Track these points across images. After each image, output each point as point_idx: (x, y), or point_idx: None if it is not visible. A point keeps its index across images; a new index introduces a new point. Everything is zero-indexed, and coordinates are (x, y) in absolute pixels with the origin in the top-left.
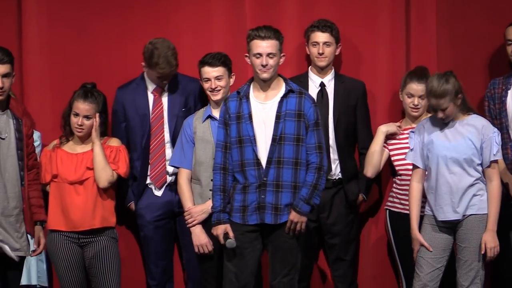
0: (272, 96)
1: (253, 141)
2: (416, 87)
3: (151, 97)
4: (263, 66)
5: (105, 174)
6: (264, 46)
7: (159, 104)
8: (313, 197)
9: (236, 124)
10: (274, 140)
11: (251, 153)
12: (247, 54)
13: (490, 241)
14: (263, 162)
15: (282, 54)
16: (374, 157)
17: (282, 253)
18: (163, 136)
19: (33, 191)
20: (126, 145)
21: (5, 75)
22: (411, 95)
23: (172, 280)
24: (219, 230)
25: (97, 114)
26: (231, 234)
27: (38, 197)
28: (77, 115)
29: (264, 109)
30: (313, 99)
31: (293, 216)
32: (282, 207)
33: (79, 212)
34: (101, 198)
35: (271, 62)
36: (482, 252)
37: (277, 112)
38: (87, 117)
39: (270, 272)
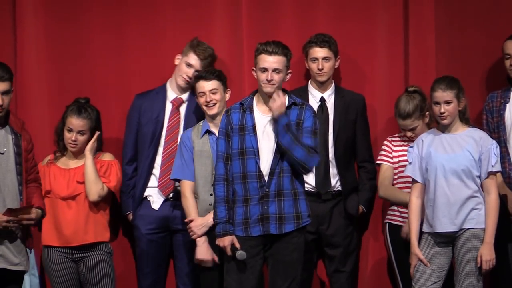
0: None
1: (256, 153)
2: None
3: (169, 106)
4: (268, 81)
5: (95, 188)
6: (270, 61)
7: (176, 114)
8: (297, 141)
9: (239, 136)
10: (277, 152)
11: (254, 165)
12: (254, 68)
13: (486, 254)
14: (265, 173)
15: (288, 71)
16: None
17: (283, 267)
18: (176, 146)
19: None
20: (136, 152)
21: (4, 92)
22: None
23: None
24: (226, 241)
25: (97, 133)
26: (237, 245)
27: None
28: (71, 130)
29: (267, 121)
30: (313, 110)
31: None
32: (286, 216)
33: (71, 227)
34: (94, 212)
35: (276, 77)
36: (478, 266)
37: None
38: (80, 132)
39: (270, 286)
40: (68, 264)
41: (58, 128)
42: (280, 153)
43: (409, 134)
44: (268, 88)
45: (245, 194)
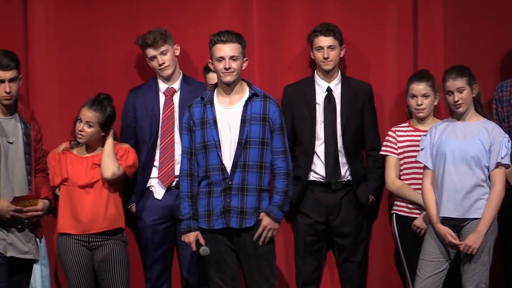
0: (236, 101)
1: (218, 145)
2: (417, 87)
3: (162, 98)
4: (226, 69)
5: (111, 165)
6: (226, 49)
7: (170, 104)
8: (285, 204)
9: (201, 130)
10: (240, 144)
11: (216, 158)
12: (210, 61)
13: (471, 241)
14: (228, 166)
15: (245, 59)
16: (402, 194)
17: (256, 261)
18: (173, 136)
19: (41, 189)
20: (134, 147)
21: (12, 80)
22: (413, 96)
23: (169, 284)
24: (191, 237)
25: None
26: (202, 241)
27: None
28: (80, 120)
29: (229, 113)
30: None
31: (267, 222)
32: (248, 211)
33: (89, 214)
34: (111, 199)
35: (233, 65)
36: (461, 249)
37: (242, 116)
38: (88, 123)
39: (248, 281)
40: (83, 252)
41: (76, 120)
42: (244, 146)
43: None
44: (227, 77)
45: (208, 187)
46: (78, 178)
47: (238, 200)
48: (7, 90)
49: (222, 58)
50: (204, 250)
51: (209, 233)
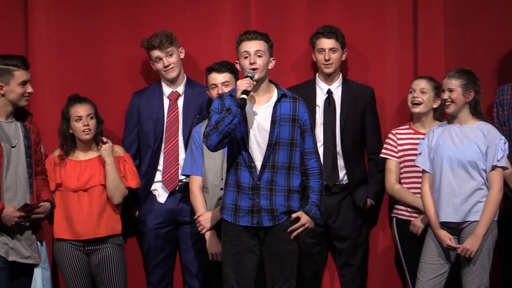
0: (265, 101)
1: (247, 144)
2: (417, 81)
3: (166, 102)
4: (251, 64)
5: (119, 192)
6: (252, 45)
7: (175, 108)
8: (322, 203)
9: None
10: (270, 145)
11: (246, 155)
12: (237, 61)
13: (469, 244)
14: (258, 165)
15: (272, 58)
16: (401, 197)
17: (280, 259)
18: (177, 140)
19: (42, 191)
20: (137, 150)
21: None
22: (413, 90)
23: (171, 287)
24: (238, 93)
25: (105, 139)
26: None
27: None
28: (79, 118)
29: (257, 113)
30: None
31: (306, 220)
32: (278, 208)
33: (84, 221)
34: (107, 206)
35: (259, 61)
36: (459, 252)
37: (272, 117)
38: (90, 116)
39: (268, 279)
40: (79, 257)
41: (62, 130)
42: (273, 147)
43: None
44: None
45: (237, 180)
46: (70, 182)
47: (266, 199)
48: (30, 90)
49: (247, 54)
50: (250, 72)
51: (234, 228)
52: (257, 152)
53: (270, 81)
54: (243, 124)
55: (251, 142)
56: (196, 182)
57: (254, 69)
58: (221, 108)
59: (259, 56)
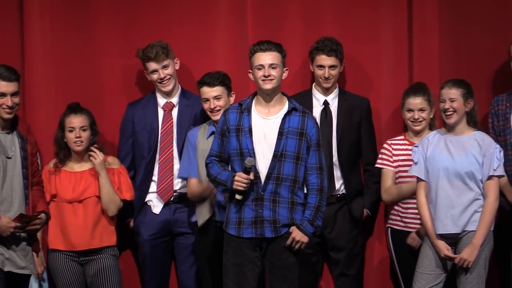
0: (275, 112)
1: (252, 155)
2: (414, 101)
3: (161, 112)
4: (265, 76)
5: (113, 205)
6: (266, 58)
7: (169, 119)
8: (316, 218)
9: (236, 137)
10: (275, 156)
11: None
12: (250, 71)
13: (467, 254)
14: (262, 176)
15: (285, 68)
16: (396, 193)
17: (280, 270)
18: (172, 151)
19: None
20: (132, 161)
21: (14, 93)
22: (410, 110)
23: None
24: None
25: (95, 146)
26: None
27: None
28: (72, 129)
29: (266, 124)
30: (315, 119)
31: (296, 234)
32: (280, 220)
33: (78, 232)
34: (102, 218)
35: (273, 72)
36: (456, 262)
37: (279, 128)
38: (82, 128)
39: None
40: (74, 267)
41: (57, 138)
42: (279, 158)
43: (416, 115)
44: (267, 85)
45: None
46: (65, 193)
47: (270, 210)
48: (9, 103)
49: (261, 66)
50: (250, 160)
51: (237, 240)
52: (262, 163)
53: (283, 93)
54: (249, 134)
55: (257, 152)
56: (194, 184)
57: (267, 76)
58: (223, 127)
59: (273, 68)
